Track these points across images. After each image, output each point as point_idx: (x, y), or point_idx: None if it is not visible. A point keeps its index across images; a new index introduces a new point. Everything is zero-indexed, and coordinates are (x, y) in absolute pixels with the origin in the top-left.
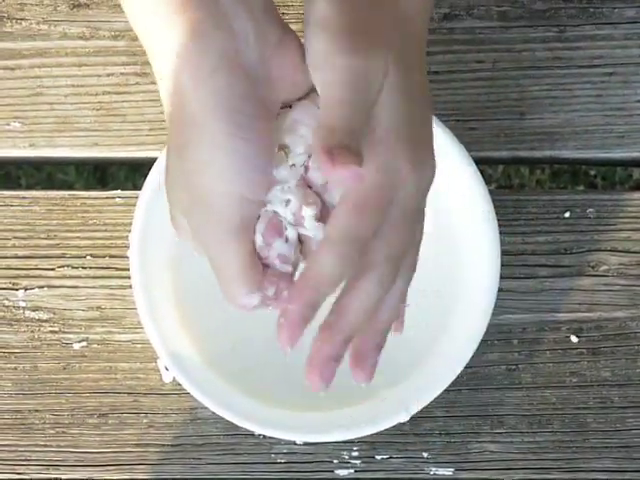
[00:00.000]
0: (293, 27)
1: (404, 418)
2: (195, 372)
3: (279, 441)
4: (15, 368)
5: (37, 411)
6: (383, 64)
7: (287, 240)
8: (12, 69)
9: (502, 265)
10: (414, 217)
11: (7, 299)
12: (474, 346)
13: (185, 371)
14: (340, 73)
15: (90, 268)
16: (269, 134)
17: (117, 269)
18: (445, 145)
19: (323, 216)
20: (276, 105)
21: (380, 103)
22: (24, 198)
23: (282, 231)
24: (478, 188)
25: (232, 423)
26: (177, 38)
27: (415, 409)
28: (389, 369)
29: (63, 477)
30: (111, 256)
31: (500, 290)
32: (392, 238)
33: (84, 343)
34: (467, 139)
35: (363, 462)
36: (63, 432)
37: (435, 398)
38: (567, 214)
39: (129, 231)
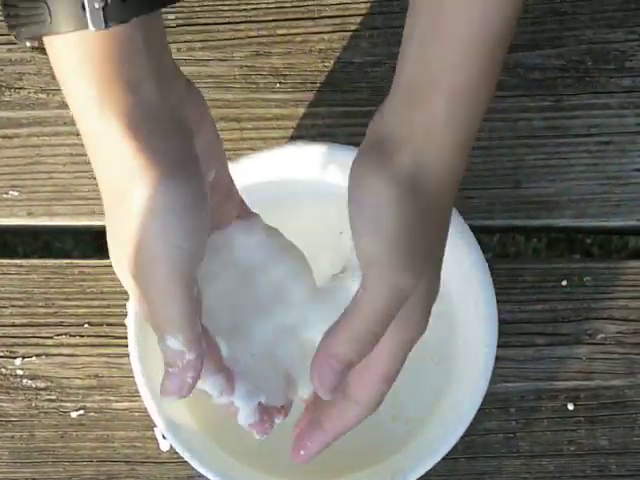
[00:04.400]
0: (291, 95)
1: None
2: (192, 440)
3: None
4: (12, 437)
5: None
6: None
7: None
8: (10, 138)
9: (499, 333)
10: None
11: (4, 367)
12: (471, 415)
13: (182, 439)
14: (386, 289)
15: (88, 336)
16: (201, 183)
17: (115, 337)
18: None
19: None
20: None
21: None
22: (22, 266)
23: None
24: (475, 256)
25: None
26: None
27: (412, 478)
28: (386, 438)
29: None
30: (108, 324)
31: (497, 358)
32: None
33: (81, 411)
34: (463, 207)
35: None
36: None
37: (432, 467)
38: (564, 282)
39: (126, 299)
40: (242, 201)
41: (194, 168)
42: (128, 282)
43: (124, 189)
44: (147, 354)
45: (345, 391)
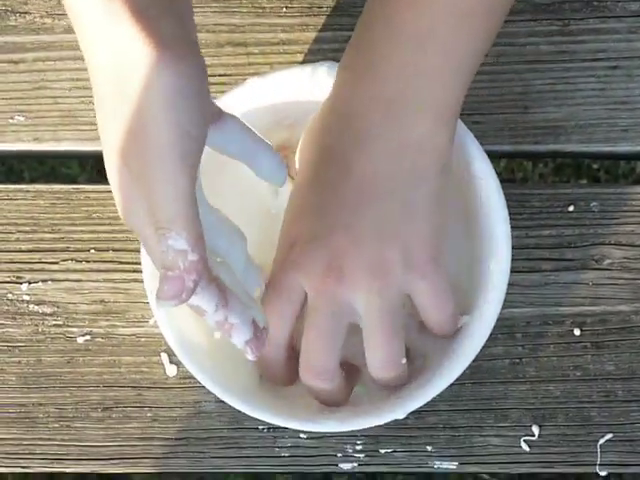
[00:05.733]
0: (298, 20)
1: (400, 415)
2: (204, 361)
3: (283, 435)
4: (19, 362)
5: (41, 405)
6: None
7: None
8: (16, 63)
9: None
10: None
11: (11, 293)
12: (478, 348)
13: (192, 357)
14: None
15: (94, 262)
16: (205, 70)
17: (121, 262)
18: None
19: None
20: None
21: None
22: (28, 192)
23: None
24: (491, 180)
25: (236, 417)
26: None
27: (412, 407)
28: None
29: (67, 471)
30: (114, 250)
31: None
32: None
33: (88, 337)
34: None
35: (367, 456)
36: (67, 426)
37: (434, 397)
38: (571, 208)
39: None
40: None
41: (199, 55)
42: (125, 179)
43: (131, 72)
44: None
45: None
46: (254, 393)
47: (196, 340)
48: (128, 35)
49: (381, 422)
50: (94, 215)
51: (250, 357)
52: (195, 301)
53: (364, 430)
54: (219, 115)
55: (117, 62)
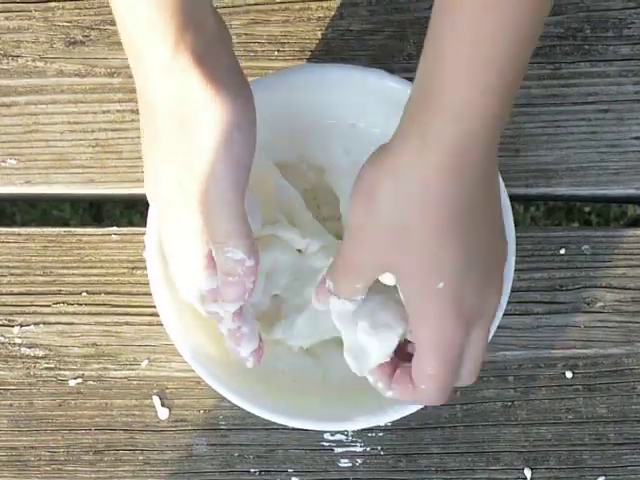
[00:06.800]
0: (290, 63)
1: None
2: (213, 366)
3: (275, 478)
4: (11, 405)
5: (33, 448)
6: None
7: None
8: (8, 106)
9: None
10: None
11: (3, 336)
12: (500, 313)
13: (206, 367)
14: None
15: (86, 305)
16: (254, 104)
17: (112, 305)
18: None
19: None
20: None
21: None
22: (20, 235)
23: None
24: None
25: (227, 460)
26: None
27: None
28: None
29: None
30: (107, 293)
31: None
32: None
33: (80, 380)
34: None
35: None
36: (59, 469)
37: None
38: (562, 251)
39: (125, 267)
40: None
41: (248, 86)
42: (176, 195)
43: (190, 112)
44: (169, 286)
45: None
46: (285, 405)
47: (207, 350)
48: (192, 80)
49: (413, 410)
50: (86, 258)
51: (250, 366)
52: (215, 308)
53: (355, 472)
54: None
55: (179, 103)
